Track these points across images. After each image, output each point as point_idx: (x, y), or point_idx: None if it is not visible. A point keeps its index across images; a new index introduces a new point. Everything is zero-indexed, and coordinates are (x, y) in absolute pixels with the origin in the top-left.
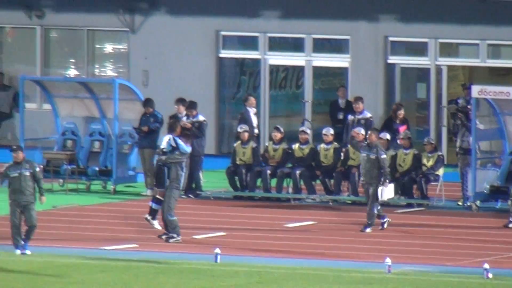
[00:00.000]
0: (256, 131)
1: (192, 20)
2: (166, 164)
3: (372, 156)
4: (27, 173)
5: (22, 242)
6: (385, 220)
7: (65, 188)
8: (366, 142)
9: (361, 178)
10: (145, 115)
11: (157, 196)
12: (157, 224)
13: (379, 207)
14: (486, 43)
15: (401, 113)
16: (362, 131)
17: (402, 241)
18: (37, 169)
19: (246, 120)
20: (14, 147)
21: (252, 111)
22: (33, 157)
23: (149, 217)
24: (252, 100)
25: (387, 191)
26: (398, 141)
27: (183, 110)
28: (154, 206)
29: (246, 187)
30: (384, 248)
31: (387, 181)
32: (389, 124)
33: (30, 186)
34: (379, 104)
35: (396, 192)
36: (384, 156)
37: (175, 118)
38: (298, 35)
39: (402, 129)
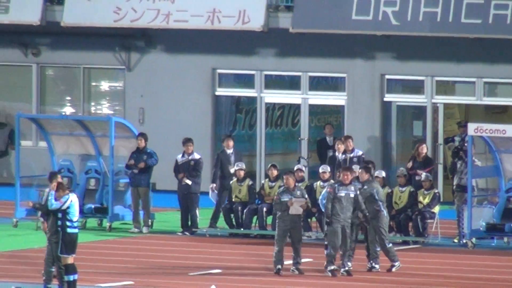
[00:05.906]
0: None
1: (188, 58)
2: None
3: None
4: None
5: None
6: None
7: None
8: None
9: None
10: (137, 152)
11: None
12: None
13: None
14: (482, 81)
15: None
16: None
17: (399, 278)
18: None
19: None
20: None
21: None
22: (28, 194)
23: None
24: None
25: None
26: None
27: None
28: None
29: (241, 225)
30: (379, 286)
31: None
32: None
33: None
34: (375, 142)
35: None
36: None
37: None
38: (295, 73)
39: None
